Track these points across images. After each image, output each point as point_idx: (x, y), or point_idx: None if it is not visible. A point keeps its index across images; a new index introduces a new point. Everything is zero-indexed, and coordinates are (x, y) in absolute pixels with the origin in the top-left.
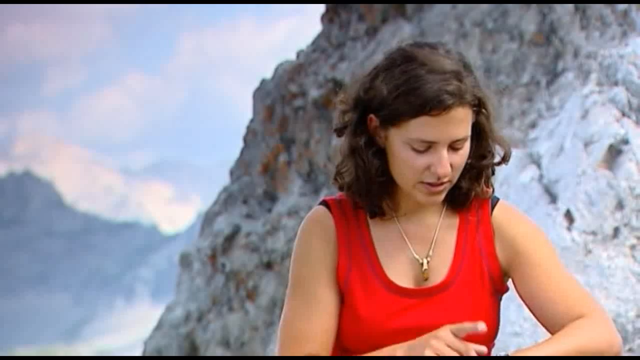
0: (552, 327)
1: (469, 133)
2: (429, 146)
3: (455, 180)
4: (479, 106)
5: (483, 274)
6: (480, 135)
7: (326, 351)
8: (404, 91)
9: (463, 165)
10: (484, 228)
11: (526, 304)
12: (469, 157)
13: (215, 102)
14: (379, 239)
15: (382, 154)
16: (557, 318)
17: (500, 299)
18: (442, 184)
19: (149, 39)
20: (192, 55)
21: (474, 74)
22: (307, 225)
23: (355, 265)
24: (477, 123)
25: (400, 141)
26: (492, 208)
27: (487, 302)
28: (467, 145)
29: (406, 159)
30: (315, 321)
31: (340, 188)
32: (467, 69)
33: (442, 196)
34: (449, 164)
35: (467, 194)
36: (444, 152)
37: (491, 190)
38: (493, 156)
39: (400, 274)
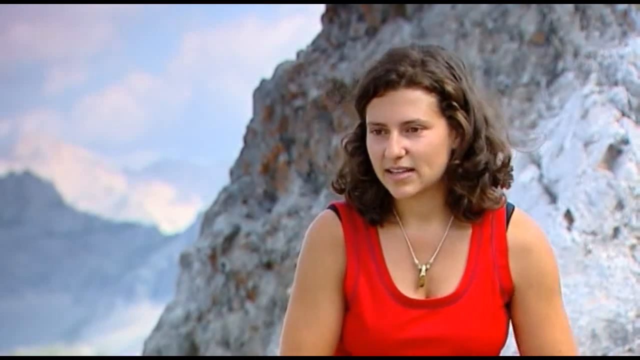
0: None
1: (427, 119)
2: (382, 129)
3: (423, 171)
4: (444, 97)
5: (494, 286)
6: (460, 132)
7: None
8: (363, 77)
9: (428, 155)
10: (498, 241)
11: (514, 326)
12: (455, 158)
13: (219, 102)
14: (387, 246)
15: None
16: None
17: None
18: (401, 171)
19: (152, 38)
20: (196, 55)
21: (463, 76)
22: (315, 232)
23: (364, 273)
24: (454, 120)
25: (368, 130)
26: (508, 220)
27: (496, 315)
28: (431, 135)
29: (369, 147)
30: (316, 331)
31: (339, 192)
32: (451, 68)
33: (410, 187)
34: (404, 148)
35: (461, 200)
36: (394, 134)
37: (502, 199)
38: (483, 157)
39: (407, 283)
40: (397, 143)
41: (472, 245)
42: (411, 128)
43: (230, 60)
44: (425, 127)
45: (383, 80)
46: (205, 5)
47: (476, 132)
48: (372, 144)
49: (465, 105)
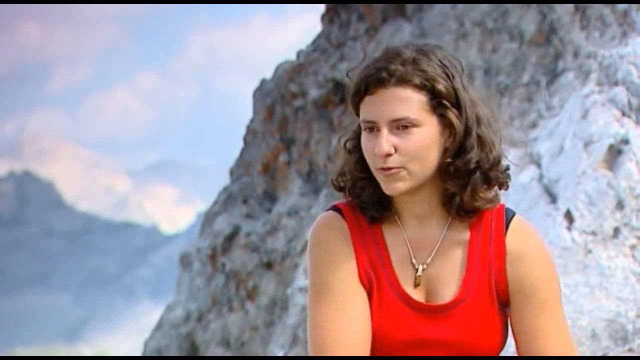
0: None
1: (417, 117)
2: (374, 127)
3: (412, 169)
4: (435, 95)
5: (491, 288)
6: (452, 131)
7: (365, 354)
8: (357, 75)
9: (418, 153)
10: (497, 245)
11: (513, 334)
12: (447, 156)
13: (225, 103)
14: (392, 246)
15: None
16: None
17: (507, 311)
18: (390, 168)
19: (158, 38)
20: (202, 55)
21: (457, 75)
22: (322, 230)
23: (372, 271)
24: (445, 118)
25: (362, 128)
26: (507, 226)
27: (496, 317)
28: (422, 133)
29: (363, 144)
30: (350, 325)
31: (338, 190)
32: (444, 67)
33: (400, 185)
34: (393, 146)
35: (454, 199)
36: (383, 132)
37: (496, 199)
38: (474, 155)
39: (409, 283)
40: (387, 141)
41: (470, 248)
42: (401, 126)
43: (237, 60)
44: (415, 125)
45: (374, 78)
46: (212, 4)
47: (467, 130)
48: (365, 142)
49: (457, 104)
